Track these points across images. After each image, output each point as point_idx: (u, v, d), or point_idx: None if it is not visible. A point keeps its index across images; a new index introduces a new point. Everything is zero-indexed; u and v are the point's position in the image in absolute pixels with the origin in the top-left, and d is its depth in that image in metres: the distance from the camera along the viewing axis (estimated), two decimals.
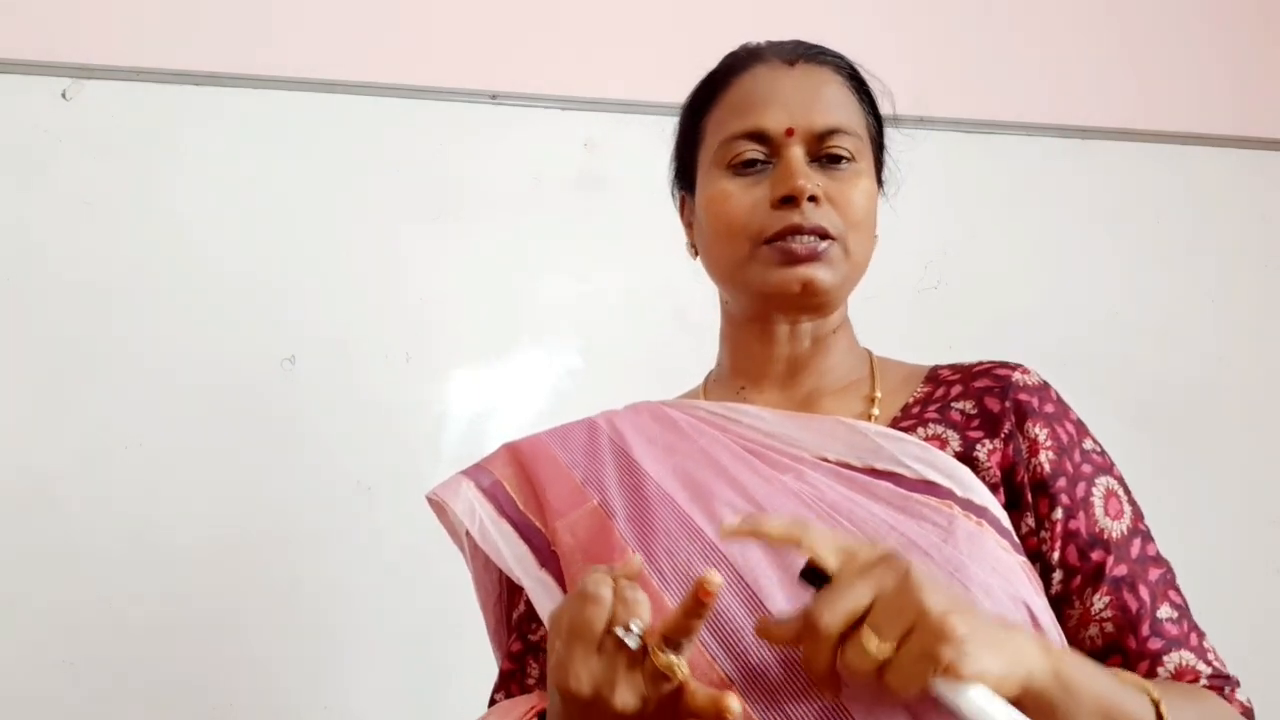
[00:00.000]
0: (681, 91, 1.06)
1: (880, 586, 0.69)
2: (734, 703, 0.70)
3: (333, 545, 1.68)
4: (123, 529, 1.65)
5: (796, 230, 0.92)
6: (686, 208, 1.07)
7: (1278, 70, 2.13)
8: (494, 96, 1.87)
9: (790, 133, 0.94)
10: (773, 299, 0.96)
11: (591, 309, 1.82)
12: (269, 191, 1.78)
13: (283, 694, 1.65)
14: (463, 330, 1.80)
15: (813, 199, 0.93)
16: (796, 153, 0.94)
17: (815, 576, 0.72)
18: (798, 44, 1.00)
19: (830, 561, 0.72)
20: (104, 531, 1.64)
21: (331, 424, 1.72)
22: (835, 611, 0.69)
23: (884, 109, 1.04)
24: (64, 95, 1.74)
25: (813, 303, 0.97)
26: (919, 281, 1.93)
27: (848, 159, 0.96)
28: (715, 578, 0.70)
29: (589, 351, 1.82)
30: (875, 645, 0.67)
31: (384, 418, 1.73)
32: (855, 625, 0.69)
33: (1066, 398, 0.99)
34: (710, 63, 1.06)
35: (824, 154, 0.95)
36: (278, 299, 1.75)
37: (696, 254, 1.05)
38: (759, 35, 1.06)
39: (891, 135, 1.05)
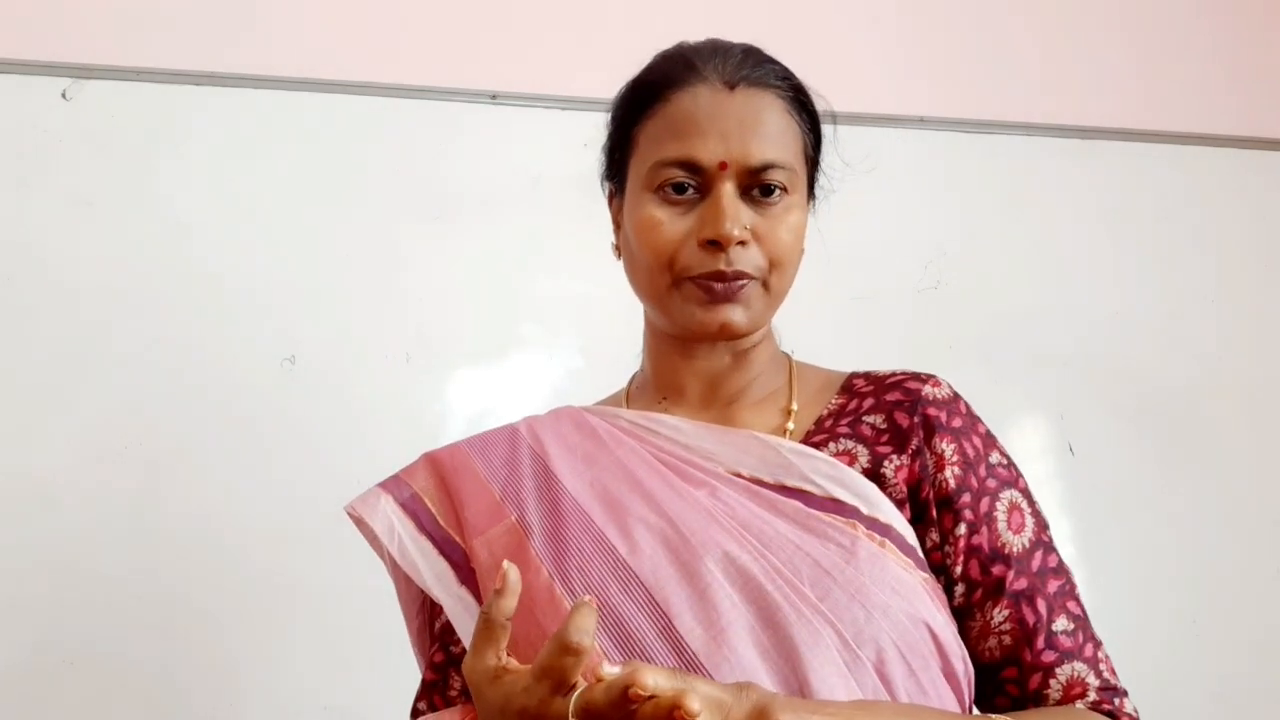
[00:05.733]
0: None
1: None
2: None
3: (332, 545, 1.67)
4: (123, 529, 1.65)
5: (719, 277, 0.93)
6: (614, 203, 1.06)
7: (1278, 70, 2.13)
8: (494, 96, 1.87)
9: (724, 166, 0.93)
10: (692, 332, 0.98)
11: (591, 309, 1.82)
12: (269, 191, 1.78)
13: (283, 694, 1.65)
14: (463, 330, 1.80)
15: (740, 242, 0.93)
16: (728, 189, 0.93)
17: None
18: (741, 61, 0.97)
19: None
20: (104, 531, 1.64)
21: (331, 424, 1.72)
22: None
23: (825, 123, 1.02)
24: (64, 95, 1.74)
25: (730, 339, 0.98)
26: (919, 281, 1.94)
27: (780, 190, 0.95)
28: (647, 680, 0.68)
29: (589, 351, 1.82)
30: None
31: (384, 418, 1.73)
32: None
33: (977, 409, 0.99)
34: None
35: (756, 186, 0.94)
36: (278, 299, 1.75)
37: (620, 256, 1.05)
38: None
39: (829, 141, 1.03)
